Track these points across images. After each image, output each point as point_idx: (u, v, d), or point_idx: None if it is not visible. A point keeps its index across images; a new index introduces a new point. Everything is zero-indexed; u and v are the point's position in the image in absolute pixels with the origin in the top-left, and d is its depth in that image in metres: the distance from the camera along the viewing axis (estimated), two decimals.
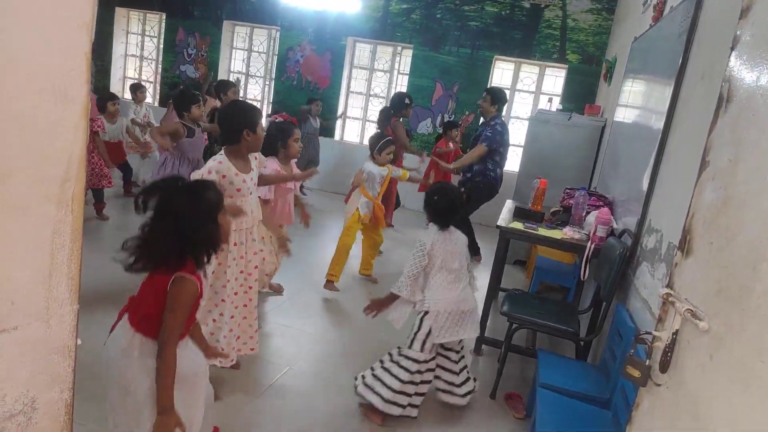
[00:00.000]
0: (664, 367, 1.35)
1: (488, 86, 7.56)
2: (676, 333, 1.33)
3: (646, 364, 1.42)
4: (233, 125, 2.60)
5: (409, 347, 2.69)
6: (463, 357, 2.90)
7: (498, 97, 5.28)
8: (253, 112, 2.68)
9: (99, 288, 3.47)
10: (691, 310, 1.27)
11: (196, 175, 2.53)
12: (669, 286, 1.45)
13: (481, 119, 5.60)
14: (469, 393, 2.87)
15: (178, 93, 4.88)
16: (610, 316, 2.83)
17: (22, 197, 0.69)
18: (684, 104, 2.54)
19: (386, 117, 6.01)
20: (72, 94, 0.73)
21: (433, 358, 2.75)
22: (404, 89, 7.92)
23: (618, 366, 2.40)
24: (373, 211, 4.29)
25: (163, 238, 1.74)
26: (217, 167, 2.55)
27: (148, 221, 1.76)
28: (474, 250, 5.66)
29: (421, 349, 2.67)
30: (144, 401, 1.72)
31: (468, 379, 2.90)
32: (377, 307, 2.77)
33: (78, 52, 0.72)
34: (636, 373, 1.43)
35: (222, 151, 2.63)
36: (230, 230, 2.04)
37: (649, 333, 1.45)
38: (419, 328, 2.68)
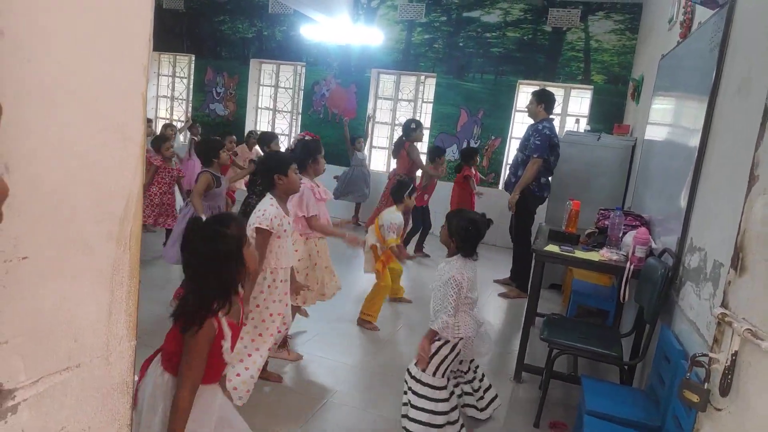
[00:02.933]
0: (725, 390, 1.29)
1: (513, 110, 7.58)
2: (735, 354, 1.28)
3: (705, 388, 1.36)
4: (268, 172, 2.82)
5: (425, 371, 2.64)
6: (476, 374, 2.96)
7: (542, 96, 5.09)
8: (284, 158, 2.91)
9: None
10: (751, 330, 1.22)
11: (254, 219, 2.69)
12: (723, 305, 1.39)
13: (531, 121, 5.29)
14: (491, 403, 2.96)
15: (203, 143, 4.83)
16: (655, 338, 2.74)
17: (86, 235, 0.70)
18: (720, 119, 2.49)
19: (399, 144, 6.12)
20: (131, 134, 0.75)
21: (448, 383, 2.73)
22: (429, 117, 8.01)
23: (667, 391, 2.31)
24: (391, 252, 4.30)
25: (192, 283, 1.76)
26: (273, 211, 2.73)
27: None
28: (523, 286, 5.14)
29: (434, 374, 2.62)
30: None
31: (489, 388, 2.99)
32: (424, 352, 2.65)
33: (136, 93, 0.75)
34: (694, 398, 1.37)
35: (268, 195, 2.83)
36: (256, 261, 2.03)
37: (705, 355, 1.39)
38: (446, 355, 2.64)
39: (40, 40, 0.60)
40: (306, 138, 3.54)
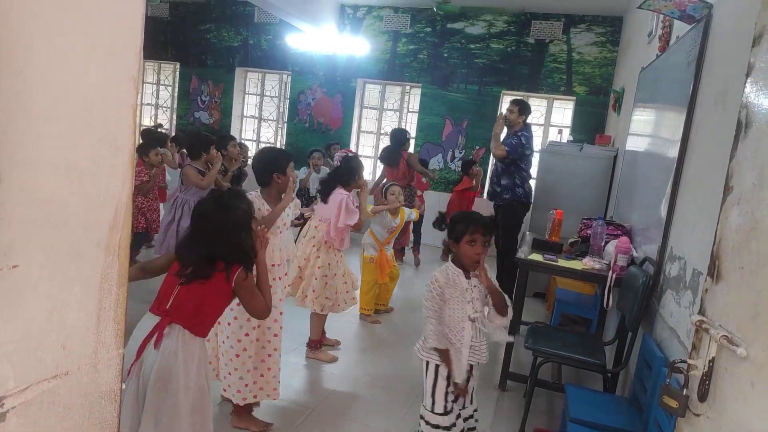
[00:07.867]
0: (703, 396, 1.32)
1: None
2: (712, 360, 1.31)
3: (683, 393, 1.39)
4: (265, 169, 2.78)
5: (430, 409, 2.41)
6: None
7: (525, 108, 5.24)
8: (283, 157, 2.86)
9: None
10: (727, 337, 1.25)
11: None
12: (701, 312, 1.43)
13: (506, 131, 5.34)
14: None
15: (194, 136, 4.96)
16: (637, 346, 2.78)
17: (77, 243, 0.71)
18: (698, 131, 2.55)
19: (394, 154, 6.12)
20: (121, 144, 0.76)
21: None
22: (414, 127, 8.05)
23: (649, 398, 2.35)
24: (378, 260, 4.37)
25: (194, 246, 1.96)
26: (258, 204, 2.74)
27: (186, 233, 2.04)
28: (509, 294, 5.17)
29: (436, 407, 2.40)
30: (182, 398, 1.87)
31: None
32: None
33: (127, 103, 0.76)
34: (673, 403, 1.40)
35: (258, 191, 2.83)
36: (265, 243, 2.14)
37: (684, 361, 1.43)
38: (435, 382, 2.40)
39: (31, 51, 0.61)
40: (349, 155, 3.72)
